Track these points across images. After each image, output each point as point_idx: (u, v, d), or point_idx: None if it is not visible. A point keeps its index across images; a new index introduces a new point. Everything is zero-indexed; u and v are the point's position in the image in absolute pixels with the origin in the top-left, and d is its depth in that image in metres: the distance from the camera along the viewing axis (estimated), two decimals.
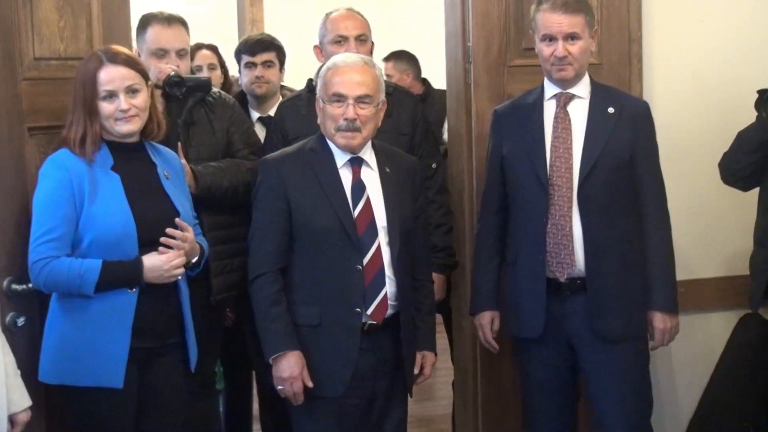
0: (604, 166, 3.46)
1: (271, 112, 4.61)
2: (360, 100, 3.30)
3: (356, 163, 3.39)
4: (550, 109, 3.56)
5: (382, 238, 3.35)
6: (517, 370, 3.75)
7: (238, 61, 4.79)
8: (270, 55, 4.72)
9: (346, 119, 3.29)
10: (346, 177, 3.37)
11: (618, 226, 3.49)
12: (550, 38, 3.46)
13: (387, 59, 6.20)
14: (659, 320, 3.55)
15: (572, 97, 3.55)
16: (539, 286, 3.51)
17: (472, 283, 3.79)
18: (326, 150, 3.39)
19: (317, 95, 3.41)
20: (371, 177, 3.40)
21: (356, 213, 3.34)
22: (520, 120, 3.60)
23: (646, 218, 3.55)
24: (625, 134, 3.51)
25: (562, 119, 3.52)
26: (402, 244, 3.37)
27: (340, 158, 3.38)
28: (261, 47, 4.72)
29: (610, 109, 3.51)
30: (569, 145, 3.49)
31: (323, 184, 3.34)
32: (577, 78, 3.53)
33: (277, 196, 3.35)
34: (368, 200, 3.36)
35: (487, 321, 3.69)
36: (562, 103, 3.54)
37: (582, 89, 3.56)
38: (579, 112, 3.54)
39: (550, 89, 3.57)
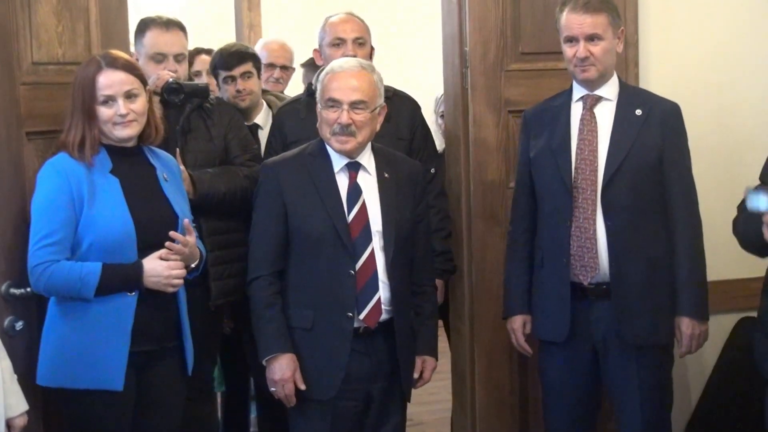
0: (629, 169, 3.43)
1: (257, 120, 4.59)
2: (354, 105, 3.30)
3: (353, 167, 3.39)
4: (576, 111, 3.54)
5: (377, 243, 3.35)
6: (539, 373, 3.74)
7: (215, 76, 4.63)
8: (247, 66, 4.55)
9: (339, 124, 3.29)
10: (342, 181, 3.38)
11: (644, 230, 3.46)
12: (572, 39, 3.45)
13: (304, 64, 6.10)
14: (687, 326, 3.50)
15: (599, 99, 3.52)
16: (564, 290, 3.49)
17: (504, 286, 3.76)
18: (324, 154, 3.40)
19: (317, 100, 3.41)
20: (368, 182, 3.41)
21: (350, 218, 3.34)
22: (548, 122, 3.59)
23: (675, 222, 3.50)
24: (653, 137, 3.47)
25: (588, 121, 3.51)
26: (397, 249, 3.37)
27: (338, 163, 3.39)
28: (236, 60, 4.54)
29: (638, 111, 3.48)
30: (594, 148, 3.47)
31: (319, 189, 3.35)
32: (602, 79, 3.50)
33: (274, 200, 3.36)
34: (363, 205, 3.36)
35: (519, 325, 3.66)
36: (588, 105, 3.52)
37: (609, 91, 3.53)
38: (606, 115, 3.51)
39: (578, 91, 3.55)
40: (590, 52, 3.43)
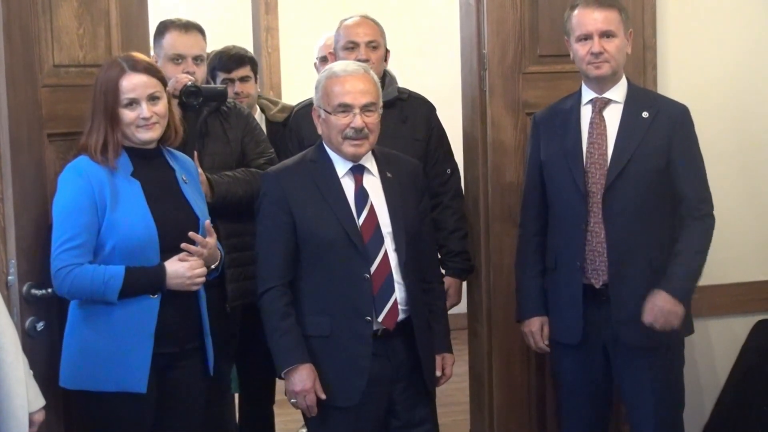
0: (633, 173, 3.42)
1: None
2: (366, 108, 3.30)
3: (358, 171, 3.38)
4: (586, 114, 3.54)
5: (389, 244, 3.35)
6: (552, 375, 3.75)
7: (213, 78, 4.62)
8: (246, 70, 4.60)
9: (353, 128, 3.29)
10: (348, 186, 3.37)
11: (646, 232, 3.45)
12: (586, 37, 3.44)
13: None
14: (661, 299, 3.39)
15: (608, 101, 3.52)
16: (577, 293, 3.50)
17: (517, 289, 3.75)
18: (326, 159, 3.38)
19: (315, 105, 3.39)
20: (373, 183, 3.40)
21: (360, 221, 3.33)
22: (558, 125, 3.59)
23: (684, 221, 3.46)
24: (660, 139, 3.45)
25: (598, 125, 3.50)
26: (409, 248, 3.37)
27: (341, 167, 3.37)
28: (236, 63, 4.59)
29: (645, 114, 3.47)
30: (604, 151, 3.47)
31: (326, 195, 3.34)
32: (613, 79, 3.50)
33: (280, 209, 3.34)
34: (372, 208, 3.36)
35: (537, 327, 3.65)
36: (597, 108, 3.52)
37: (618, 93, 3.52)
38: (614, 117, 3.50)
39: (587, 94, 3.55)
40: (604, 48, 3.43)
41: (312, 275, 3.34)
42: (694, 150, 3.52)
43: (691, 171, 3.49)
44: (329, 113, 3.31)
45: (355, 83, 3.30)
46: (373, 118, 3.32)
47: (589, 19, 3.44)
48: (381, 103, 3.39)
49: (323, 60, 5.10)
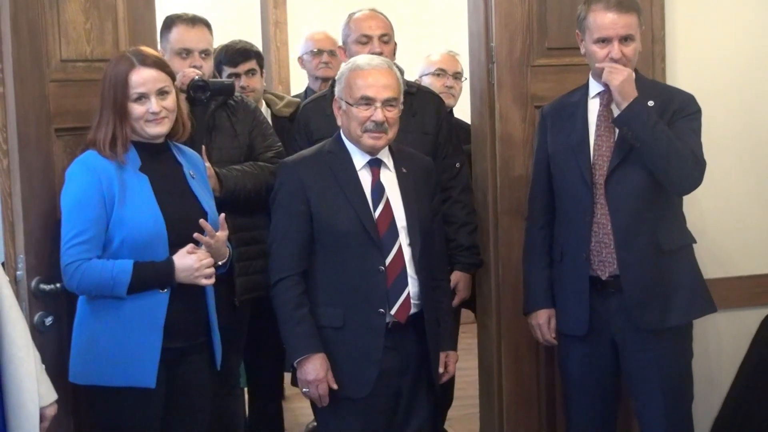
0: (634, 160, 3.41)
1: None
2: (387, 102, 3.32)
3: (375, 164, 3.41)
4: (594, 107, 3.54)
5: (403, 239, 3.37)
6: (560, 367, 3.75)
7: (219, 72, 4.64)
8: (251, 64, 4.63)
9: (374, 121, 3.30)
10: (365, 179, 3.39)
11: (649, 217, 3.45)
12: (605, 40, 3.41)
13: None
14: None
15: None
16: (583, 285, 3.50)
17: (524, 282, 3.76)
18: (344, 152, 3.41)
19: (337, 96, 3.41)
20: (389, 178, 3.42)
21: (377, 214, 3.35)
22: (565, 118, 3.59)
23: None
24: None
25: (606, 118, 3.49)
26: (423, 243, 3.39)
27: (359, 160, 3.39)
28: (242, 57, 4.62)
29: (650, 103, 3.44)
30: (611, 144, 3.47)
31: (343, 186, 3.36)
32: None
33: (297, 199, 3.36)
34: (388, 201, 3.38)
35: (545, 320, 3.66)
36: (605, 102, 3.50)
37: None
38: None
39: (595, 88, 3.54)
40: (623, 53, 3.40)
41: (326, 266, 3.35)
42: (689, 128, 3.46)
43: (684, 134, 3.43)
44: (351, 105, 3.33)
45: (378, 77, 3.33)
46: (394, 113, 3.35)
47: (609, 22, 3.40)
48: (402, 99, 3.41)
49: (317, 54, 5.13)
